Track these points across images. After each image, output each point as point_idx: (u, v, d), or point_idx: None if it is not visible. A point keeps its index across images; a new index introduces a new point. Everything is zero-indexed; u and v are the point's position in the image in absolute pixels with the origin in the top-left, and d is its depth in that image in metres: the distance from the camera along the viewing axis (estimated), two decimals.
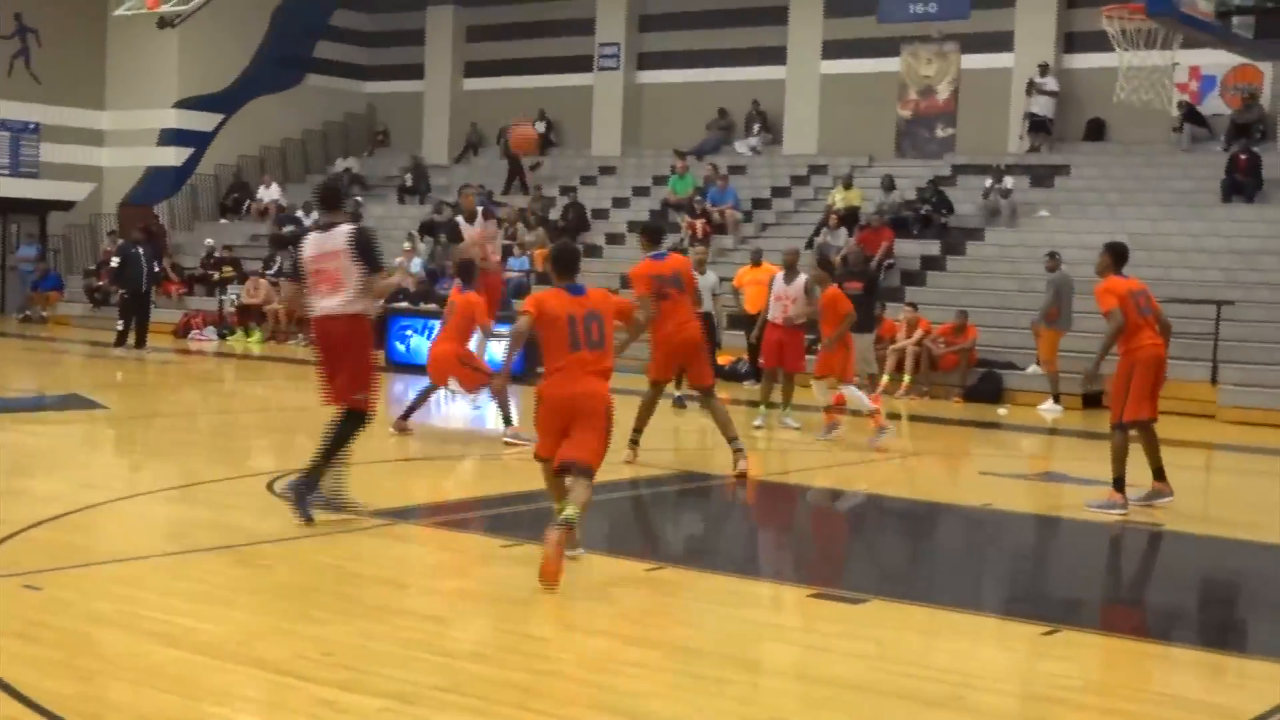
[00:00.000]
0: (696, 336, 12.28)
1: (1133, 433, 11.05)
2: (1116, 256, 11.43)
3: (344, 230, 9.32)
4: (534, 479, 9.45)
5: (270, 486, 10.88)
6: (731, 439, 12.13)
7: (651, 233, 13.12)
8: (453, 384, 14.61)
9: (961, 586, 8.97)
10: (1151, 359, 11.05)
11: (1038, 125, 28.03)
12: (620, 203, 31.02)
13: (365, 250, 9.21)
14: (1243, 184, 24.71)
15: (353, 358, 9.36)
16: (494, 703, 5.79)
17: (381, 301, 13.81)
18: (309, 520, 9.17)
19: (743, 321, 20.78)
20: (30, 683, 5.79)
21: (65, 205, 35.44)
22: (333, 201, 9.81)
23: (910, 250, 24.91)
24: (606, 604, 7.77)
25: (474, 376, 14.25)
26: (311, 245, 9.44)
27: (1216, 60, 23.78)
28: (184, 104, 35.30)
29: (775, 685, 6.54)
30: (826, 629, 7.44)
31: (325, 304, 9.32)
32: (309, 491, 9.33)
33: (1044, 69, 27.73)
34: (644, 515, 11.52)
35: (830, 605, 7.86)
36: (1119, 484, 10.86)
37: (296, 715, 5.63)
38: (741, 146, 31.82)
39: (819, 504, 12.34)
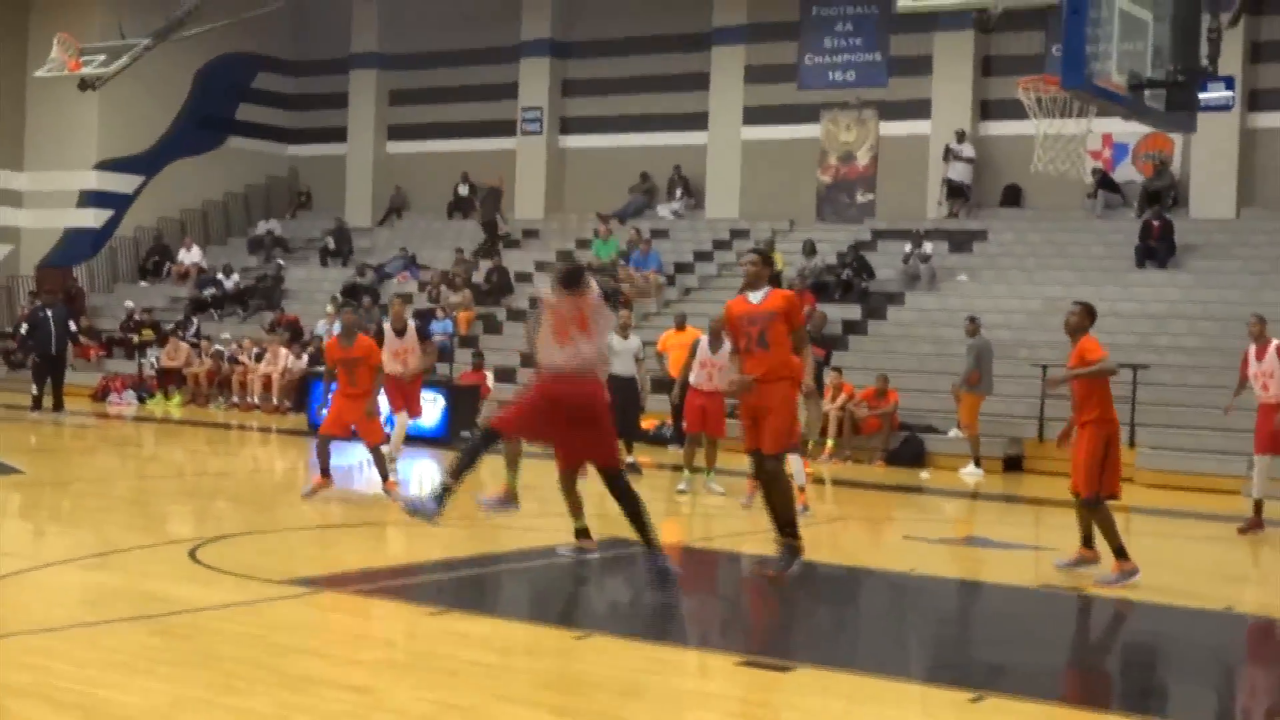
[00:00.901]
0: None
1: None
2: (1092, 315, 11.23)
3: None
4: (458, 545, 9.36)
5: (193, 554, 10.72)
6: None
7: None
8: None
9: (887, 652, 8.94)
10: (1118, 433, 11.08)
11: (955, 191, 28.42)
12: (543, 266, 31.03)
13: None
14: (1155, 249, 25.19)
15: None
16: None
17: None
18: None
19: (666, 385, 20.81)
20: None
21: None
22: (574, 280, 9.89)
23: (832, 314, 25.07)
24: (531, 674, 7.70)
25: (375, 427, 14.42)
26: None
27: (1128, 129, 24.15)
28: (104, 165, 35.07)
29: None
30: (755, 697, 7.40)
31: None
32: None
33: (961, 136, 28.14)
34: (569, 583, 11.45)
35: (757, 673, 7.82)
36: (1121, 553, 10.74)
37: None
38: (664, 210, 32.01)
39: (744, 570, 12.31)
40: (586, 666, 8.05)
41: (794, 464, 13.70)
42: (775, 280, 13.48)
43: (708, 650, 8.82)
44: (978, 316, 20.99)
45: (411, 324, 16.00)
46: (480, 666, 7.60)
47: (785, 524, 10.37)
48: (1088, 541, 11.13)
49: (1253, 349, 14.52)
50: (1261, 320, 14.75)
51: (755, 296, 10.69)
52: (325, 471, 13.85)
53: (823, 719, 6.92)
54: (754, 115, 31.16)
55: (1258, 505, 14.33)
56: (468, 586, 10.53)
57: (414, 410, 16.10)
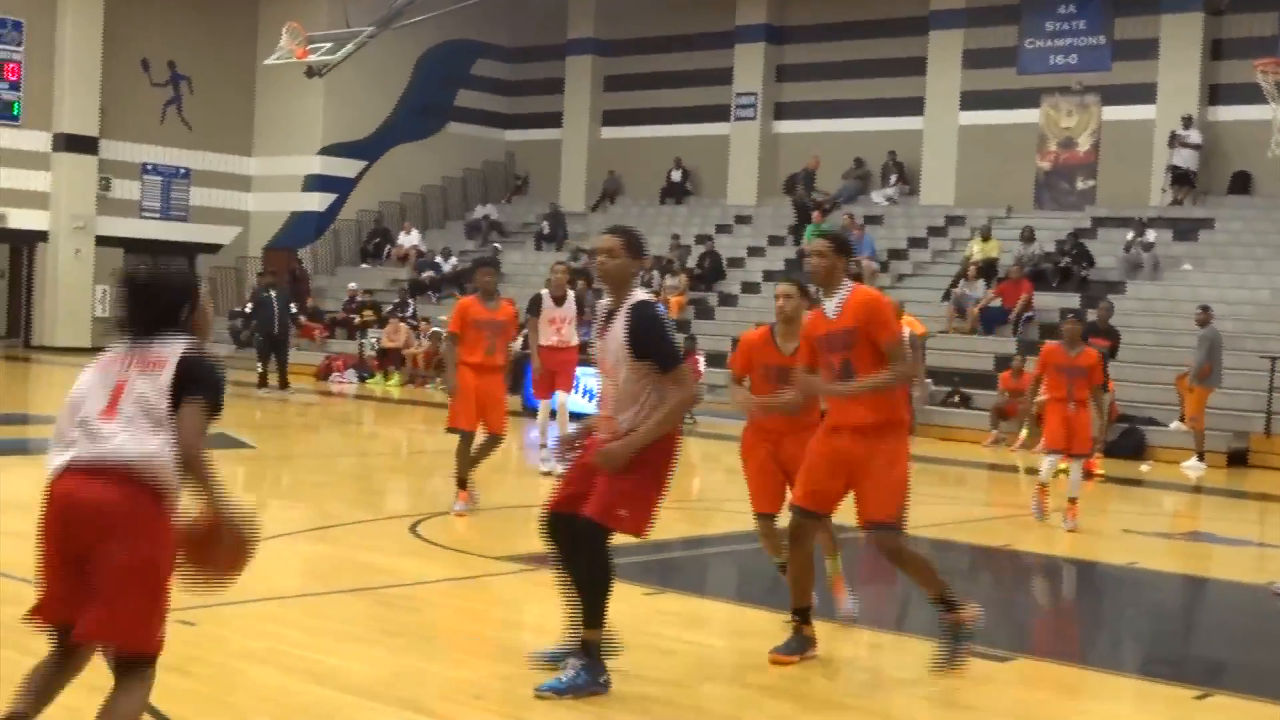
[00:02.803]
0: None
1: None
2: None
3: None
4: (671, 528, 9.40)
5: (413, 529, 10.99)
6: None
7: None
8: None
9: (1108, 646, 8.77)
10: None
11: (1181, 178, 27.54)
12: (755, 251, 31.00)
13: None
14: None
15: None
16: None
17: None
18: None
19: None
20: (183, 717, 5.91)
21: (213, 248, 36.26)
22: None
23: (1049, 303, 24.52)
24: (741, 654, 7.71)
25: None
26: None
27: None
28: (328, 151, 36.02)
29: None
30: (966, 686, 7.29)
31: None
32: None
33: (1188, 121, 27.24)
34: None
35: (975, 663, 7.70)
36: None
37: None
38: (878, 197, 31.70)
39: (960, 561, 12.12)
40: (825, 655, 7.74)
41: (1075, 472, 12.93)
42: (858, 277, 10.50)
43: (906, 634, 8.59)
44: (1209, 306, 20.31)
45: (571, 294, 14.92)
46: (692, 646, 7.67)
47: (940, 600, 7.40)
48: None
49: None
50: None
51: (831, 307, 7.29)
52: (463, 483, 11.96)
53: (1041, 710, 6.81)
54: (971, 100, 30.63)
55: None
56: (681, 568, 10.59)
57: (565, 385, 14.89)
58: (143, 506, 4.69)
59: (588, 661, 6.51)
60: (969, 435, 21.52)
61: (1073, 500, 12.71)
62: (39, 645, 4.89)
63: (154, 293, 4.98)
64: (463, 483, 11.82)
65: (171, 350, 4.80)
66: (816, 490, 7.26)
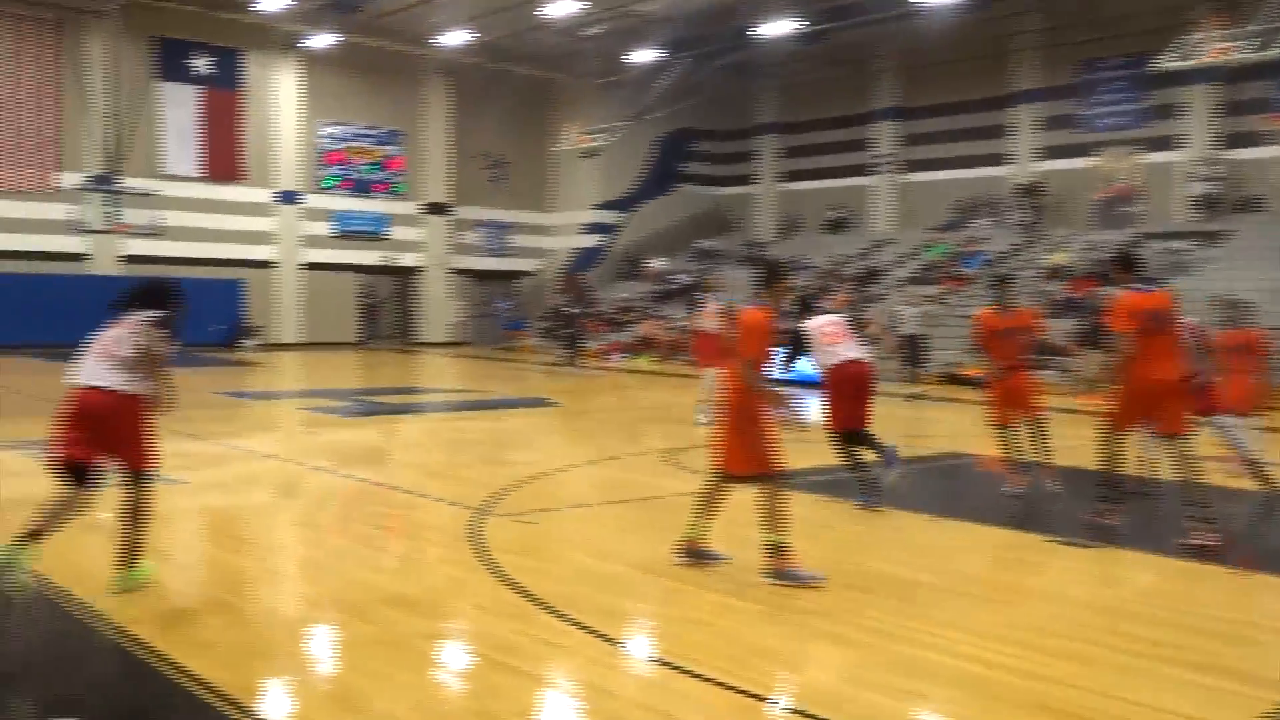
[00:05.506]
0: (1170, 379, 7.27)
1: None
2: None
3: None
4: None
5: (667, 459, 11.05)
6: (1189, 503, 7.23)
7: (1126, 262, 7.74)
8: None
9: None
10: None
11: (1203, 202, 26.04)
12: (895, 264, 30.47)
13: None
14: None
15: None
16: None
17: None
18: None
19: None
20: (531, 584, 6.10)
21: (526, 274, 37.10)
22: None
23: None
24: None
25: None
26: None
27: None
28: (599, 206, 36.50)
29: None
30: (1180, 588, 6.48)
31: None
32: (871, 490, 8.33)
33: (1206, 160, 25.78)
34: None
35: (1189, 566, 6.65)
36: None
37: (699, 611, 5.68)
38: (978, 226, 30.74)
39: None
40: (945, 540, 7.53)
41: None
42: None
43: (1032, 532, 7.80)
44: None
45: (715, 299, 13.99)
46: (873, 539, 7.58)
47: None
48: None
49: None
50: None
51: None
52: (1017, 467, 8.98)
53: None
54: (1042, 154, 29.58)
55: None
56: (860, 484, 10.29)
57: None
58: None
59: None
60: (1054, 389, 20.68)
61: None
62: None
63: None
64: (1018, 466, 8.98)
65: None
66: None
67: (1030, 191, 29.43)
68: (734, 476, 6.36)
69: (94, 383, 5.58)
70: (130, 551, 5.81)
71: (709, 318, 13.99)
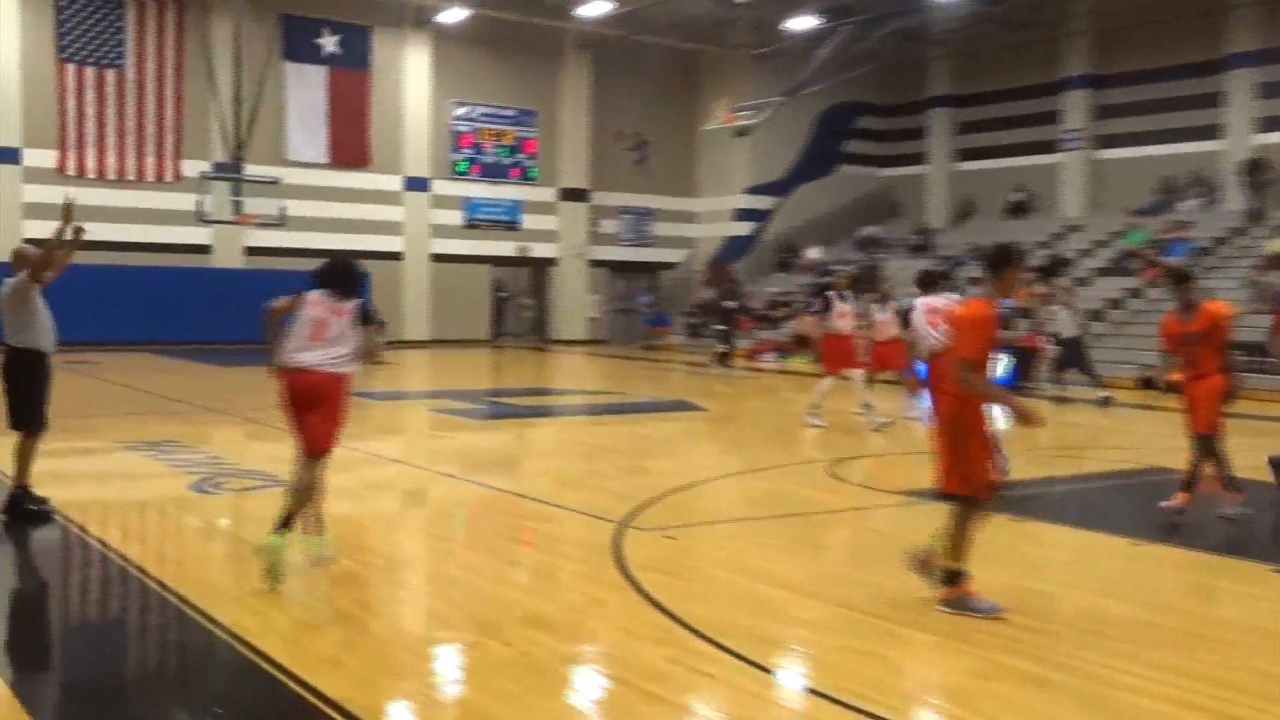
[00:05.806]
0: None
1: None
2: None
3: None
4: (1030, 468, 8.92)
5: (828, 470, 11.00)
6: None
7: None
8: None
9: None
10: None
11: None
12: (1088, 252, 29.52)
13: None
14: None
15: None
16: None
17: None
18: None
19: None
20: (676, 605, 6.12)
21: (670, 265, 37.32)
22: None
23: None
24: (1096, 569, 7.41)
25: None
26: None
27: None
28: (751, 190, 36.46)
29: None
30: None
31: None
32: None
33: None
34: (1133, 500, 10.76)
35: None
36: None
37: (865, 640, 5.64)
38: (1183, 207, 29.50)
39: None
40: (1142, 567, 7.45)
41: None
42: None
43: (1249, 559, 7.57)
44: None
45: (849, 295, 15.03)
46: (1058, 563, 7.47)
47: None
48: None
49: None
50: None
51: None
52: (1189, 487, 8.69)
53: None
54: (1264, 125, 28.19)
55: None
56: (1044, 501, 10.20)
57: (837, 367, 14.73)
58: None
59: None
60: (1268, 396, 19.79)
61: None
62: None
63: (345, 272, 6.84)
64: (1228, 482, 8.65)
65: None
66: None
67: (1255, 168, 28.07)
68: (948, 496, 6.19)
69: (314, 365, 6.61)
70: (320, 521, 6.90)
71: (840, 318, 14.33)
